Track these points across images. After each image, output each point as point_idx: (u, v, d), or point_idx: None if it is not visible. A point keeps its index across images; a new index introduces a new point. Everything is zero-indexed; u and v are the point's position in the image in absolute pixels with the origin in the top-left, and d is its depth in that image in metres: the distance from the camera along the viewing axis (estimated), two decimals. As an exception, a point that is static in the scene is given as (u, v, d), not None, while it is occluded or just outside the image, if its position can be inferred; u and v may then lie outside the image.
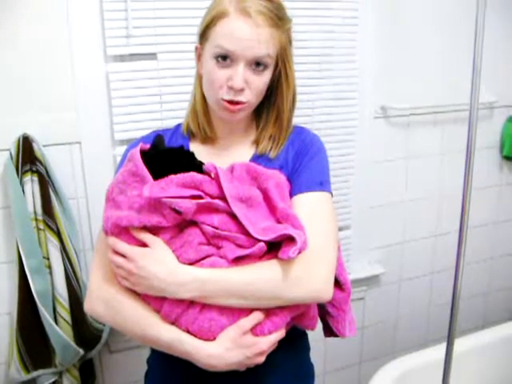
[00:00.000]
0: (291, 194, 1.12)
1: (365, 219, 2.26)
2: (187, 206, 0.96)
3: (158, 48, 1.71)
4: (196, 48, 1.17)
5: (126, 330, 1.08)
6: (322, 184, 1.13)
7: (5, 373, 1.80)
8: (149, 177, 1.00)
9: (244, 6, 1.04)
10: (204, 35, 1.11)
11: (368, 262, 2.34)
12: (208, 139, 1.23)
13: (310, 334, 1.24)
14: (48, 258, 1.62)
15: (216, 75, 1.08)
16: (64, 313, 1.65)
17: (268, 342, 1.02)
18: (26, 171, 1.58)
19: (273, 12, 1.06)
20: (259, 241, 1.00)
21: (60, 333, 1.62)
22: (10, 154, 1.59)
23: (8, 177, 1.60)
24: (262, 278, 1.00)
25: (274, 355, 1.06)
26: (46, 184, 1.61)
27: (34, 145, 1.60)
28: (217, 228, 1.00)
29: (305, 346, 1.33)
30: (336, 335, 1.23)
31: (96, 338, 1.77)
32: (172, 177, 0.99)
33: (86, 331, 1.72)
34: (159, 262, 0.99)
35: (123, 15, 1.64)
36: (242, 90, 1.08)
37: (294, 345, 1.22)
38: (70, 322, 1.66)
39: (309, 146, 1.18)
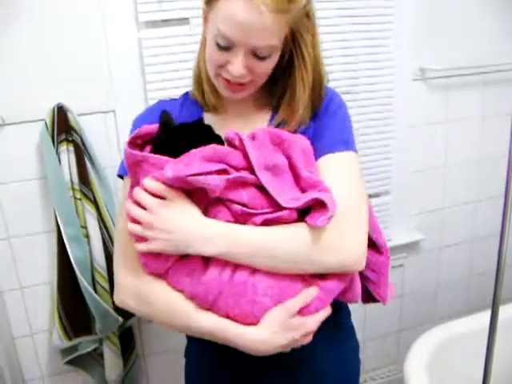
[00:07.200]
0: (316, 157, 1.04)
1: (404, 185, 2.21)
2: (216, 183, 0.88)
3: (190, 12, 1.67)
4: (203, 9, 1.05)
5: (164, 323, 1.02)
6: (348, 143, 1.05)
7: (48, 340, 1.86)
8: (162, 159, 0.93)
9: None
10: (209, 3, 0.99)
11: (407, 229, 2.30)
12: (219, 107, 1.15)
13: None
14: (85, 227, 1.64)
15: (216, 56, 1.00)
16: (102, 281, 1.67)
17: (316, 321, 0.96)
18: (62, 141, 1.58)
19: None
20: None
21: (99, 301, 1.64)
22: (46, 124, 1.59)
23: (44, 147, 1.61)
24: (291, 238, 0.93)
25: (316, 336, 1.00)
26: (81, 153, 1.61)
27: (69, 114, 1.60)
28: (245, 205, 0.93)
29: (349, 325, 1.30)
30: (376, 301, 1.18)
31: (135, 306, 1.79)
32: (194, 151, 0.91)
33: (124, 299, 1.74)
34: (185, 214, 0.92)
35: (154, -21, 1.60)
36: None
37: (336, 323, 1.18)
38: (108, 290, 1.68)
39: (328, 103, 1.09)
